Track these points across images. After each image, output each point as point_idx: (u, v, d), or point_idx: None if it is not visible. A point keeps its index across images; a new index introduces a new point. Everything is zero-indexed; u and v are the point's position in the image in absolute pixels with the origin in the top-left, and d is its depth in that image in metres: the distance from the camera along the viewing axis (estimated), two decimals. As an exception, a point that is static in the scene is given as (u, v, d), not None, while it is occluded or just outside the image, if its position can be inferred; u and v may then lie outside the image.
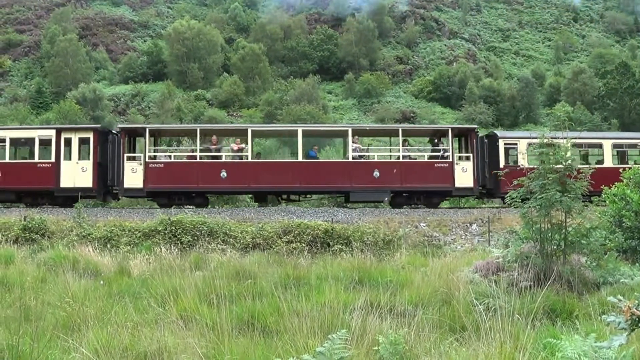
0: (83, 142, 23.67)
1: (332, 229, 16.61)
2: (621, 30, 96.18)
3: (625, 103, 66.24)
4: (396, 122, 59.96)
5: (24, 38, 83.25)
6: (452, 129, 24.84)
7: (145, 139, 23.53)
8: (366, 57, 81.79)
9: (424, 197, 23.27)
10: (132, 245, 15.65)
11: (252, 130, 24.58)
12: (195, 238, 15.94)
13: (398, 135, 24.21)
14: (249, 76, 74.10)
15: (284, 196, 24.83)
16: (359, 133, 25.26)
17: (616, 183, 13.36)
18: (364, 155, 24.22)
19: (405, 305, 7.76)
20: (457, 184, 22.54)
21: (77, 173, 23.07)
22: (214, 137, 24.38)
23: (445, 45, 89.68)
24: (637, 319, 3.35)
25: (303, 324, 6.03)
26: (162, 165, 23.22)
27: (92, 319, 6.89)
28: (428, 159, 23.98)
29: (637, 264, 10.81)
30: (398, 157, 23.76)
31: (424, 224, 20.49)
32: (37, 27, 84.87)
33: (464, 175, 22.16)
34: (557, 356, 4.65)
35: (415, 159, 24.58)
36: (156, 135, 25.24)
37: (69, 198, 23.33)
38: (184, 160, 24.46)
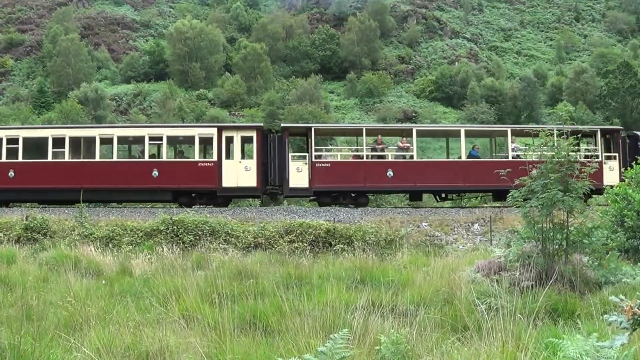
0: (245, 141, 23.55)
1: (334, 229, 16.59)
2: (623, 30, 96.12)
3: (627, 102, 66.25)
4: (398, 122, 59.96)
5: (26, 38, 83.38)
6: (601, 129, 25.66)
7: (310, 138, 23.35)
8: (368, 56, 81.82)
9: None
10: (134, 245, 15.64)
11: (417, 130, 25.16)
12: (197, 238, 15.93)
13: (553, 136, 24.97)
14: (251, 76, 74.15)
15: (441, 195, 25.40)
16: (516, 133, 26.00)
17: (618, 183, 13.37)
18: (520, 155, 24.83)
19: (407, 305, 7.75)
20: (606, 182, 23.00)
21: (240, 172, 22.65)
22: (379, 137, 24.70)
23: (447, 44, 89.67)
24: (638, 319, 3.35)
25: (305, 324, 6.02)
26: (329, 165, 23.24)
27: (94, 318, 6.88)
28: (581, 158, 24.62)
29: (638, 264, 10.79)
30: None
31: (426, 224, 20.50)
32: (39, 27, 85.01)
33: (611, 174, 23.09)
34: (558, 356, 4.65)
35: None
36: (320, 134, 25.35)
37: (227, 198, 23.27)
38: (351, 159, 24.63)
